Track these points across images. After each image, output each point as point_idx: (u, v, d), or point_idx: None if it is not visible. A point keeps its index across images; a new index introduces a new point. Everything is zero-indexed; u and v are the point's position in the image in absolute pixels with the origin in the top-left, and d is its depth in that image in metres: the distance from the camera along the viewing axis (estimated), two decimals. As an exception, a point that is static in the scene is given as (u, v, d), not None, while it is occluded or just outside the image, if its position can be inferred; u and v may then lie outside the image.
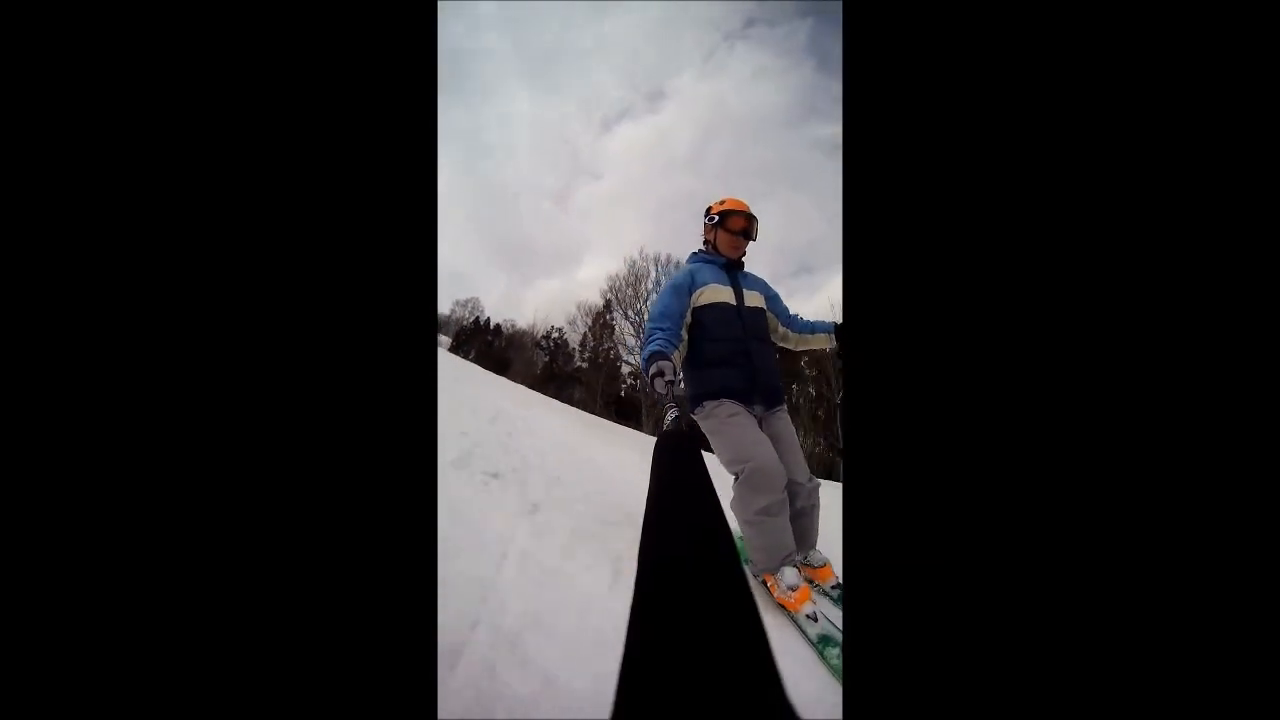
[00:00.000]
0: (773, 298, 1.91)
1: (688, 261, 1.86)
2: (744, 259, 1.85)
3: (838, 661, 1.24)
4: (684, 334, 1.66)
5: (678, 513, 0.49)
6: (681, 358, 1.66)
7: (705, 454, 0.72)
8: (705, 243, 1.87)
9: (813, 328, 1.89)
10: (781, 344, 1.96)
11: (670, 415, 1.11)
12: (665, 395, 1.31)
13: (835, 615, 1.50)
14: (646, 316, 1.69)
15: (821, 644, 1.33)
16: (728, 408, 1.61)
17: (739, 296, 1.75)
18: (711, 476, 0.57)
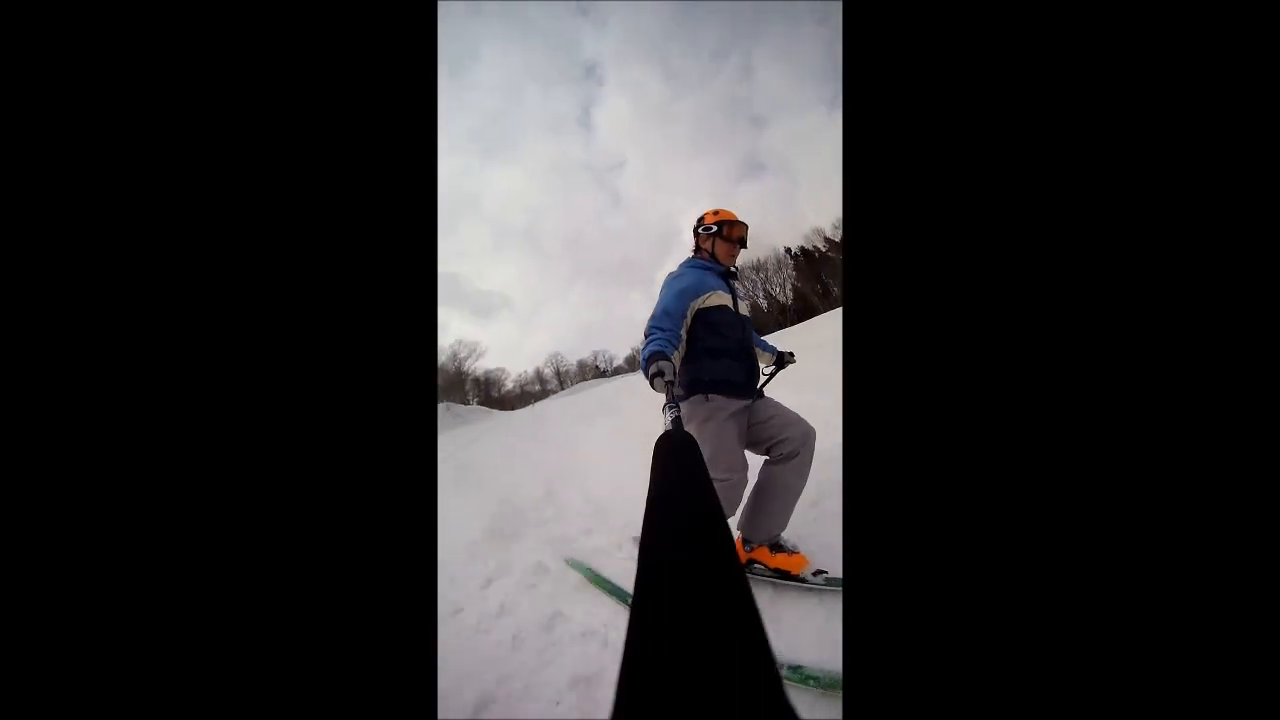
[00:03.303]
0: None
1: (687, 266, 1.88)
2: (736, 268, 1.93)
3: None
4: (682, 334, 1.67)
5: (678, 513, 0.49)
6: (679, 359, 1.67)
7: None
8: (698, 250, 1.91)
9: (763, 346, 2.05)
10: None
11: (669, 416, 1.11)
12: (665, 395, 1.31)
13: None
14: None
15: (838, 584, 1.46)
16: (731, 414, 1.68)
17: (735, 303, 1.83)
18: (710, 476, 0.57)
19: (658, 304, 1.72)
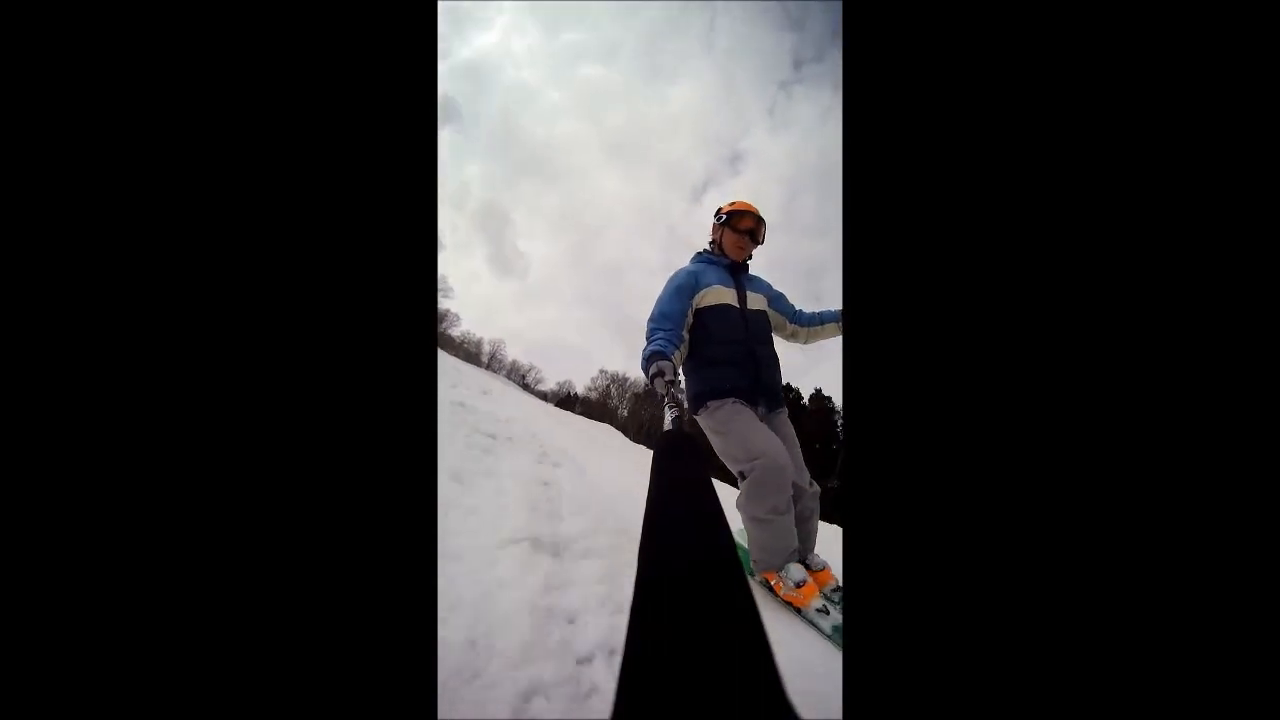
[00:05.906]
0: (776, 298, 1.90)
1: (691, 262, 1.82)
2: (749, 261, 1.83)
3: None
4: (685, 334, 1.65)
5: (678, 513, 0.49)
6: (682, 358, 1.65)
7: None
8: (711, 243, 1.85)
9: (821, 319, 1.88)
10: (791, 340, 1.95)
11: (670, 415, 1.11)
12: (665, 395, 1.31)
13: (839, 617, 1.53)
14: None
15: (837, 635, 1.34)
16: (732, 406, 1.58)
17: (742, 299, 1.73)
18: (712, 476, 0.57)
19: (657, 303, 1.68)
